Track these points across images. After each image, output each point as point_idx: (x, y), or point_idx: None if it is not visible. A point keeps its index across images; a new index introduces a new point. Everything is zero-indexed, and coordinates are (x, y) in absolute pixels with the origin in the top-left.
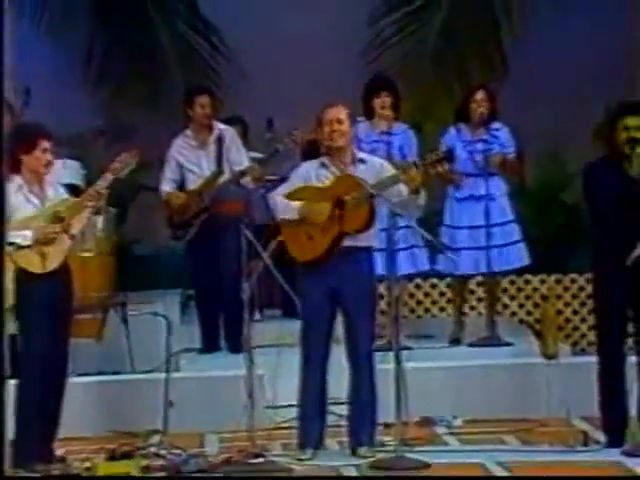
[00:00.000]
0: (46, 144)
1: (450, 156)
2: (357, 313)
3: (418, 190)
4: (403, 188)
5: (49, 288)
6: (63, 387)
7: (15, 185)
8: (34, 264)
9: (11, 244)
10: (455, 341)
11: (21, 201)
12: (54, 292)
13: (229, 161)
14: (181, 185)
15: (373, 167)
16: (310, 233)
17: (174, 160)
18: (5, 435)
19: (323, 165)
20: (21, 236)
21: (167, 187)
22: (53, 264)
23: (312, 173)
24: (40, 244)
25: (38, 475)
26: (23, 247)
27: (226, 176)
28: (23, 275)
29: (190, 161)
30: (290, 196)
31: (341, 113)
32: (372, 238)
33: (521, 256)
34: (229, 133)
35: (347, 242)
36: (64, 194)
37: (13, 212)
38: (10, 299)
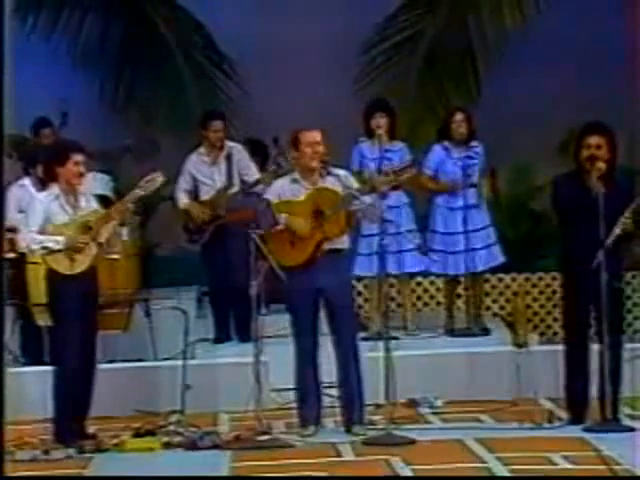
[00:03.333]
0: (78, 158)
1: (414, 164)
2: (339, 306)
3: (385, 195)
4: (366, 198)
5: (76, 287)
6: (92, 372)
7: (53, 194)
8: (64, 266)
9: (44, 248)
10: (450, 331)
11: (57, 209)
12: (81, 291)
13: (240, 173)
14: (195, 196)
15: (339, 178)
16: (293, 241)
17: (188, 174)
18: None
19: (295, 181)
20: (53, 241)
21: (185, 198)
22: (81, 267)
23: (286, 188)
24: (71, 250)
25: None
26: (55, 251)
27: (235, 188)
28: (54, 275)
29: (204, 175)
30: (275, 209)
31: (319, 136)
32: (346, 241)
33: (496, 255)
34: (237, 150)
35: (326, 245)
36: (95, 205)
37: (49, 218)
38: (43, 296)
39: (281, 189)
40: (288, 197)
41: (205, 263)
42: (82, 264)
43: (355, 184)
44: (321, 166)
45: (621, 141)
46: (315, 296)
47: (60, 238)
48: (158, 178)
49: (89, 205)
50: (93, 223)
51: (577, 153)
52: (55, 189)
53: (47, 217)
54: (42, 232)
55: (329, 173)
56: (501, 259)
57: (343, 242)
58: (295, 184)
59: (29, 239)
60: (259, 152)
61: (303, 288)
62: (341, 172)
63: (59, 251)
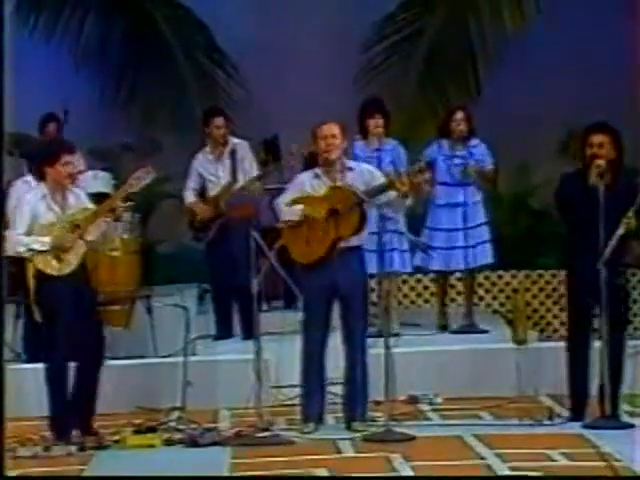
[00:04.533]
0: (68, 158)
1: (430, 167)
2: (352, 304)
3: (407, 195)
4: (391, 193)
5: (65, 287)
6: (97, 369)
7: (40, 193)
8: (51, 267)
9: (30, 250)
10: (442, 328)
11: (44, 209)
12: (71, 290)
13: (243, 171)
14: (202, 193)
15: (361, 174)
16: (309, 238)
17: (195, 172)
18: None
19: (316, 176)
20: (40, 242)
21: (191, 197)
22: (69, 267)
23: (307, 183)
24: (58, 250)
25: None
26: (42, 252)
27: (240, 183)
28: (42, 275)
29: (209, 172)
30: (291, 204)
31: (334, 129)
32: (362, 238)
33: (487, 254)
34: (242, 146)
35: (341, 244)
36: (86, 202)
37: (36, 218)
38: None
39: (303, 185)
40: (309, 192)
41: (209, 260)
42: (70, 264)
43: (381, 177)
44: (325, 162)
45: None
46: (329, 293)
47: (46, 239)
48: (147, 174)
49: (78, 203)
50: (81, 221)
51: (582, 151)
52: (42, 188)
53: (34, 217)
54: (29, 232)
55: (350, 169)
56: (490, 259)
57: (358, 240)
58: (317, 179)
59: (15, 241)
60: (272, 151)
61: (318, 284)
62: (364, 167)
63: (46, 252)
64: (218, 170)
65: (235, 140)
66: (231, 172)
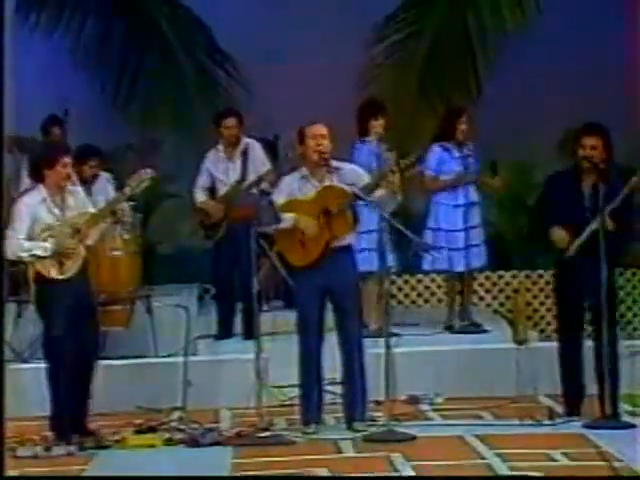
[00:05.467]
0: (66, 160)
1: (420, 161)
2: (345, 304)
3: (396, 191)
4: (382, 190)
5: (66, 290)
6: (91, 371)
7: (40, 197)
8: (52, 270)
9: (32, 255)
10: (449, 327)
11: (45, 213)
12: (71, 293)
13: (255, 171)
14: (211, 192)
15: (347, 172)
16: (303, 241)
17: (207, 171)
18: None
19: (303, 177)
20: (42, 248)
21: (202, 196)
22: (70, 271)
23: (295, 185)
24: (59, 255)
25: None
26: (43, 257)
27: (247, 183)
28: (42, 278)
29: (219, 171)
30: (282, 209)
31: (324, 130)
32: (352, 237)
33: (483, 255)
34: (255, 147)
35: (334, 243)
36: (86, 201)
37: (36, 221)
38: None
39: (290, 187)
40: (297, 195)
41: (214, 259)
42: (71, 268)
43: (365, 176)
44: (323, 163)
45: (621, 141)
46: (322, 293)
47: (48, 245)
48: (144, 175)
49: (77, 203)
50: (81, 225)
51: (575, 151)
52: (41, 191)
53: (34, 220)
54: (30, 236)
55: (337, 169)
56: (484, 260)
57: (349, 239)
58: (304, 181)
59: (16, 245)
60: (269, 150)
61: (311, 285)
62: (347, 165)
63: (48, 256)
64: (229, 170)
65: (248, 140)
66: (241, 171)
